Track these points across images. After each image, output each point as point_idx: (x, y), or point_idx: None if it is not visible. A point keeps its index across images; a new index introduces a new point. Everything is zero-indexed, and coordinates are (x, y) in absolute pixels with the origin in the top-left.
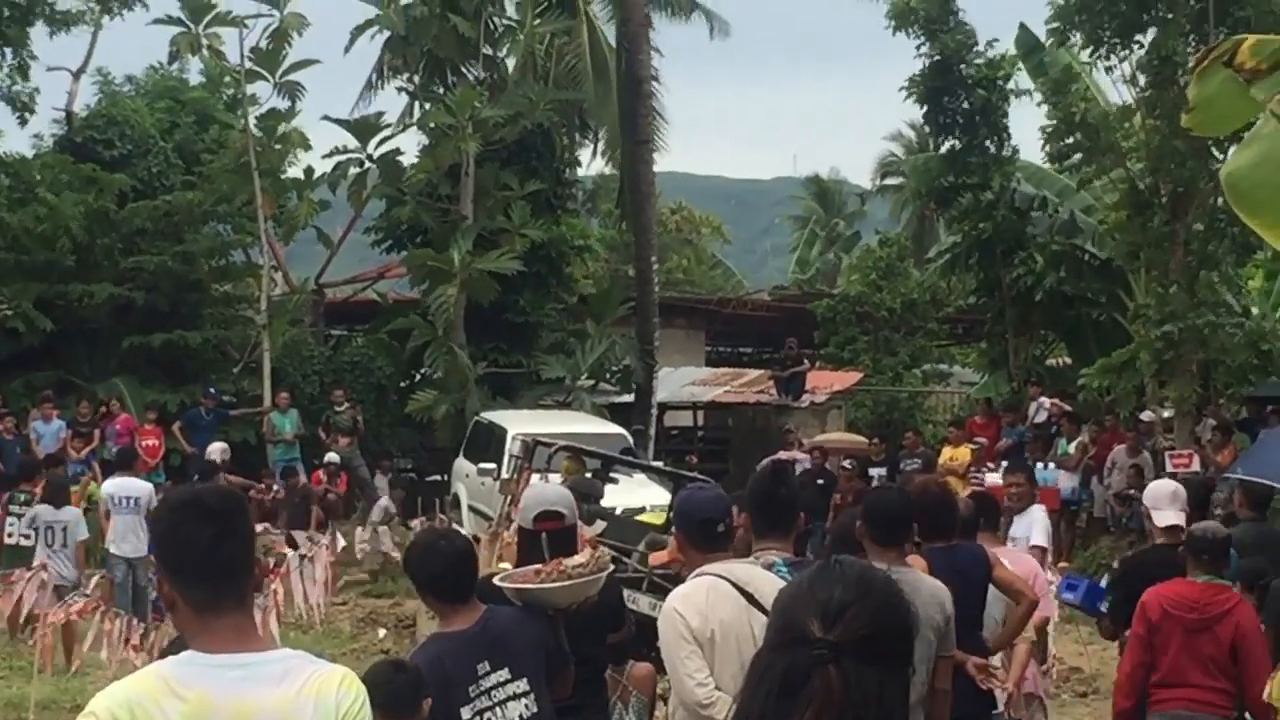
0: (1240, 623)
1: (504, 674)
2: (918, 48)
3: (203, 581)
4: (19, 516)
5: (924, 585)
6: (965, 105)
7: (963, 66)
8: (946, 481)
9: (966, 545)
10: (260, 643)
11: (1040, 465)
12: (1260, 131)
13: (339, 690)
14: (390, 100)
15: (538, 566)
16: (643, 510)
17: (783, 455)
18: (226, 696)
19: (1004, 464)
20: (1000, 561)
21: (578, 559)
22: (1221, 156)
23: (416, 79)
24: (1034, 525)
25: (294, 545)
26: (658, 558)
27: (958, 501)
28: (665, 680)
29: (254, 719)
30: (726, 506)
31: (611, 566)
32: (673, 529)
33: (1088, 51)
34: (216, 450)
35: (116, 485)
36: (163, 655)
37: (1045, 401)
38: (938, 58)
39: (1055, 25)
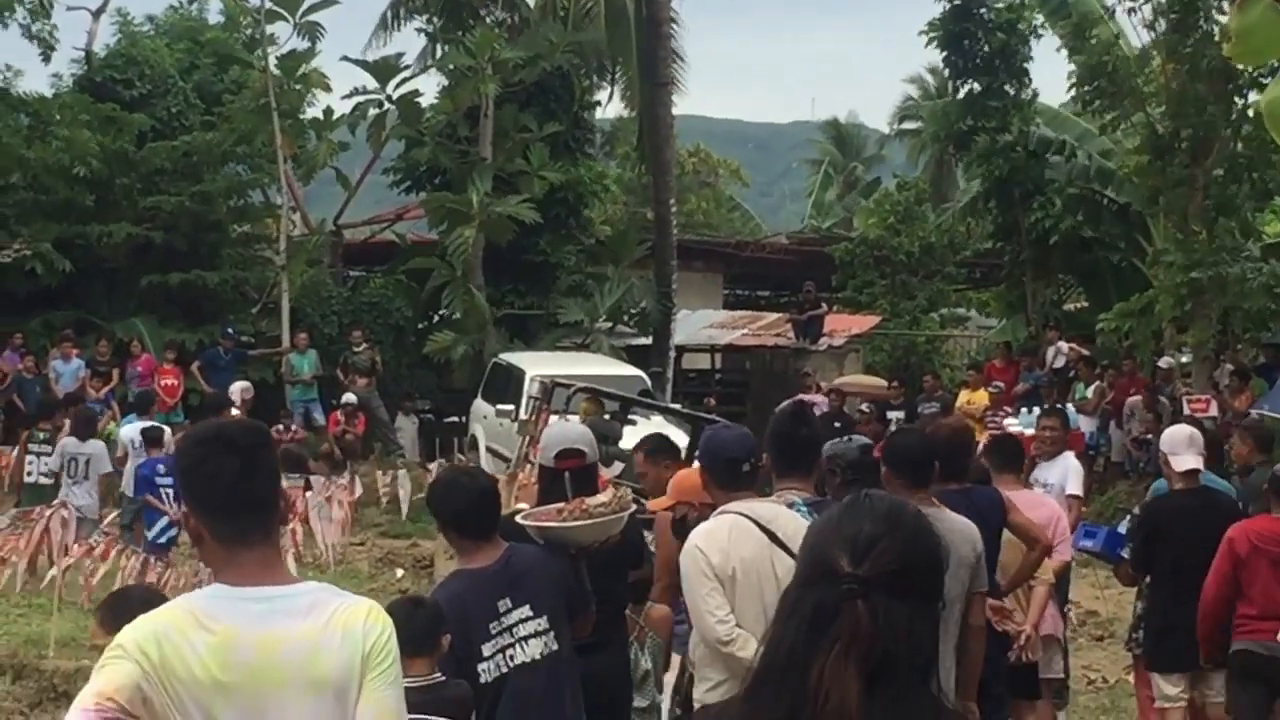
0: None
1: (525, 611)
2: None
3: (229, 515)
4: (39, 455)
5: (955, 523)
6: (985, 49)
7: (982, 10)
8: (965, 424)
9: (982, 489)
10: (287, 576)
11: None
12: None
13: (365, 622)
14: (406, 40)
15: (560, 505)
16: None
17: (801, 398)
18: (254, 629)
19: (1023, 409)
20: (1015, 506)
21: (600, 498)
22: (1241, 101)
23: (435, 20)
24: (1069, 473)
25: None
26: (657, 504)
27: (974, 444)
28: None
29: (281, 651)
30: (752, 446)
31: (634, 506)
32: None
33: None
34: (238, 389)
35: (136, 429)
36: (101, 608)
37: (1063, 346)
38: (957, 2)
39: None
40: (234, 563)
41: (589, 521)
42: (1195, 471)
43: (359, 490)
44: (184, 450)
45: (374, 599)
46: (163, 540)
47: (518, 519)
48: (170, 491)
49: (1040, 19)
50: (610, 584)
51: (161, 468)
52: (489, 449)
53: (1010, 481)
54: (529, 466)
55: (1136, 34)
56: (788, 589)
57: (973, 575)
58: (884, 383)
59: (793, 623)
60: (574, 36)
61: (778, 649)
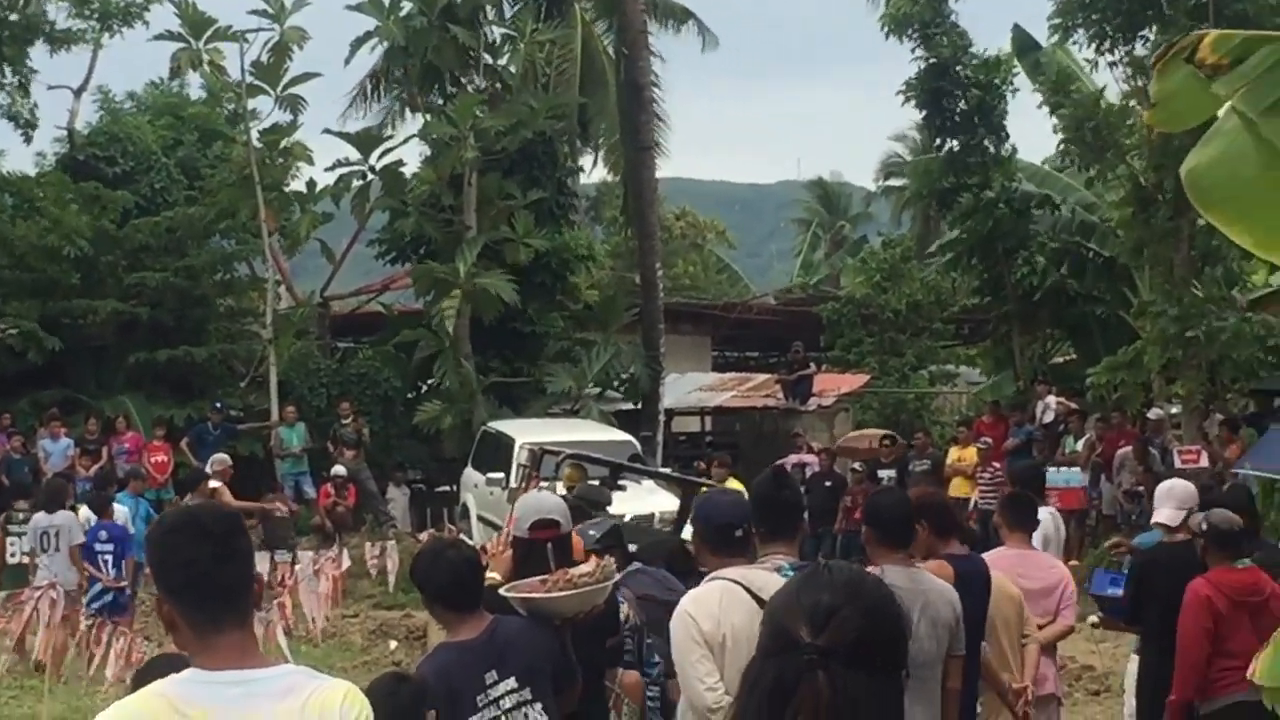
0: None
1: (511, 683)
2: (913, 51)
3: (203, 601)
4: (19, 535)
5: (934, 585)
6: (963, 106)
7: (959, 68)
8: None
9: (975, 558)
10: (262, 659)
11: (1054, 469)
12: (1221, 128)
13: (342, 705)
14: (384, 110)
15: (544, 576)
16: (651, 517)
17: (791, 459)
18: (229, 713)
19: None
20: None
21: (584, 568)
22: None
23: (415, 90)
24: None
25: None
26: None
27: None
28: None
29: None
30: (745, 511)
31: (617, 575)
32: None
33: (1092, 48)
34: (214, 462)
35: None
36: (136, 679)
37: (1052, 401)
38: (933, 60)
39: (1057, 21)
40: (209, 648)
41: (574, 592)
42: (1182, 525)
43: (347, 563)
44: (156, 539)
45: (368, 671)
46: (95, 606)
47: (501, 591)
48: (109, 558)
49: (1020, 74)
50: (591, 651)
51: (104, 534)
52: (480, 518)
53: (1022, 540)
54: (495, 535)
55: (1117, 87)
56: (751, 661)
57: (952, 637)
58: (894, 435)
59: (755, 694)
60: (555, 102)
61: None
